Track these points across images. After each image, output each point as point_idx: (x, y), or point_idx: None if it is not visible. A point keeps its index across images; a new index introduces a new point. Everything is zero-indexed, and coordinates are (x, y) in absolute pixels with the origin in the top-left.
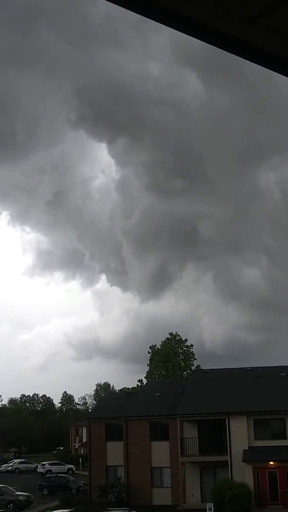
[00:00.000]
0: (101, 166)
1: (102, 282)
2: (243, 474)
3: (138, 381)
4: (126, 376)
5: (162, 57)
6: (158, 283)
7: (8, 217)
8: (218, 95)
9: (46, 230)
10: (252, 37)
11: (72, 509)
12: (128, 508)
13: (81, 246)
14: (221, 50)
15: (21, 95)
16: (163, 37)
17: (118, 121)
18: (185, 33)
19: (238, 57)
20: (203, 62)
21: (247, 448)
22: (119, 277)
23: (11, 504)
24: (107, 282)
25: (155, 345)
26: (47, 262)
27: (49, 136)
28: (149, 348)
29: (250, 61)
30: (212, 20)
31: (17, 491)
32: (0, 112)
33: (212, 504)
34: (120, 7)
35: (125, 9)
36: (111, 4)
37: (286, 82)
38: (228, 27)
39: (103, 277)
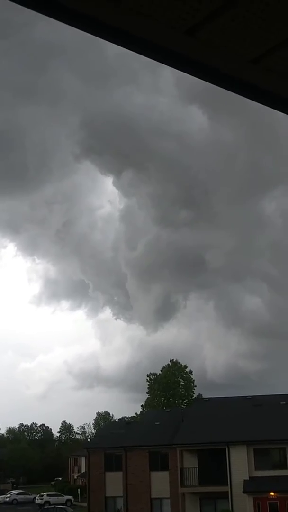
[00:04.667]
0: (108, 197)
1: (107, 312)
2: (244, 505)
3: (141, 406)
4: (127, 405)
5: (168, 92)
6: (162, 314)
7: (18, 247)
8: (222, 128)
9: (55, 260)
10: (255, 77)
11: None
12: None
13: (85, 277)
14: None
15: (29, 128)
16: (170, 73)
17: (124, 153)
18: (189, 74)
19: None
20: (208, 97)
21: (248, 479)
22: (123, 309)
23: None
24: (112, 316)
25: (154, 373)
26: (53, 292)
27: (57, 168)
28: (147, 376)
29: (252, 100)
30: (216, 61)
31: None
32: (11, 145)
33: None
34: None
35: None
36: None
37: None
38: (232, 68)
39: (108, 307)
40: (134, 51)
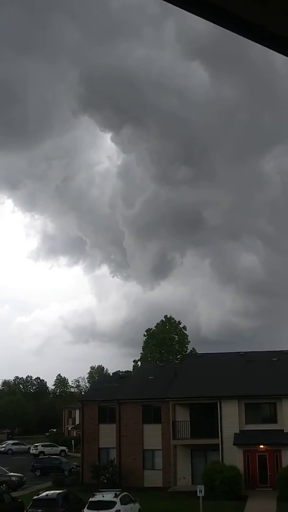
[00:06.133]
0: (106, 153)
1: (104, 269)
2: (234, 457)
3: (134, 361)
4: (123, 360)
5: (170, 48)
6: (159, 272)
7: (16, 203)
8: (223, 86)
9: (53, 216)
10: (262, 18)
11: (65, 490)
12: (120, 489)
13: (83, 234)
14: (228, 43)
15: (29, 82)
16: (173, 28)
17: (124, 108)
18: (196, 14)
19: (243, 50)
20: (209, 53)
21: (238, 432)
22: (120, 267)
23: (4, 485)
24: (109, 273)
25: (151, 329)
26: (51, 248)
27: (57, 124)
28: (145, 331)
29: (259, 43)
30: (223, 1)
31: (10, 472)
32: (10, 100)
33: (203, 486)
34: None
35: None
36: None
37: None
38: (239, 8)
39: (105, 265)
40: None
